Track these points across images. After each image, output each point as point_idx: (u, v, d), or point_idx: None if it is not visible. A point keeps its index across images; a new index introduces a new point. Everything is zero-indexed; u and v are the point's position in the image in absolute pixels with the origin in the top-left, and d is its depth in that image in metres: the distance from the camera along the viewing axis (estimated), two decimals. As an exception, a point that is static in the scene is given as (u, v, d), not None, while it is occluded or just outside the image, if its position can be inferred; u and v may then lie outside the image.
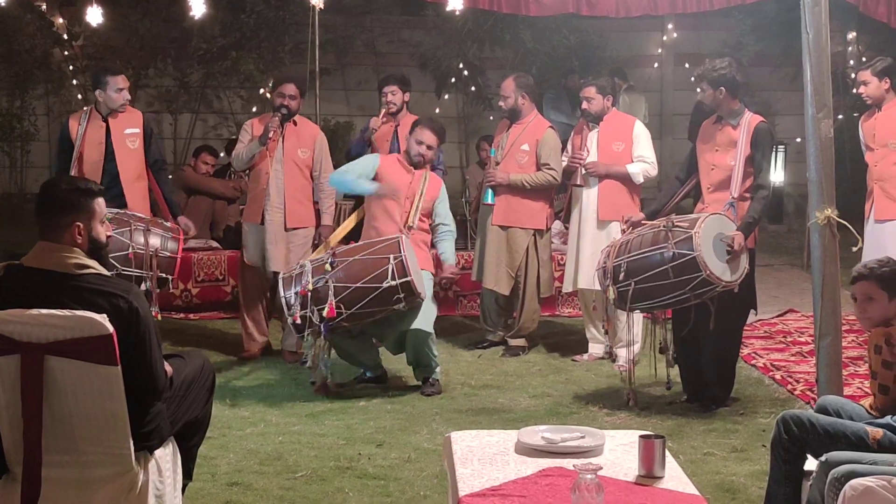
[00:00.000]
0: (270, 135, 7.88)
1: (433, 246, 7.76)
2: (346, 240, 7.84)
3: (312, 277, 6.88)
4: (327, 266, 6.91)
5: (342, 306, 6.86)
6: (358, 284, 6.87)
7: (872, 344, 4.39)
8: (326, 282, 6.86)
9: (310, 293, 6.85)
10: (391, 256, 6.90)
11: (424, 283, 7.22)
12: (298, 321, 6.92)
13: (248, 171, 8.56)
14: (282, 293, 6.99)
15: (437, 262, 7.74)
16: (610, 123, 8.01)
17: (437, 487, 5.31)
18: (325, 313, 6.81)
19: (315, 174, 8.13)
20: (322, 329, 6.89)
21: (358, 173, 7.61)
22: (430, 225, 7.68)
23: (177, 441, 4.45)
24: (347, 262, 6.96)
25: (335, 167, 8.17)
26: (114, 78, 7.79)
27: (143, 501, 4.08)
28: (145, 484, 4.09)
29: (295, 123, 8.12)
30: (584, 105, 8.03)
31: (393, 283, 6.86)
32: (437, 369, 7.35)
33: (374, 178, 7.57)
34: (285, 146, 8.02)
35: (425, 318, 7.19)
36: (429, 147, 7.61)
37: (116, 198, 7.46)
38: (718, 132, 6.84)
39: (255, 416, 6.69)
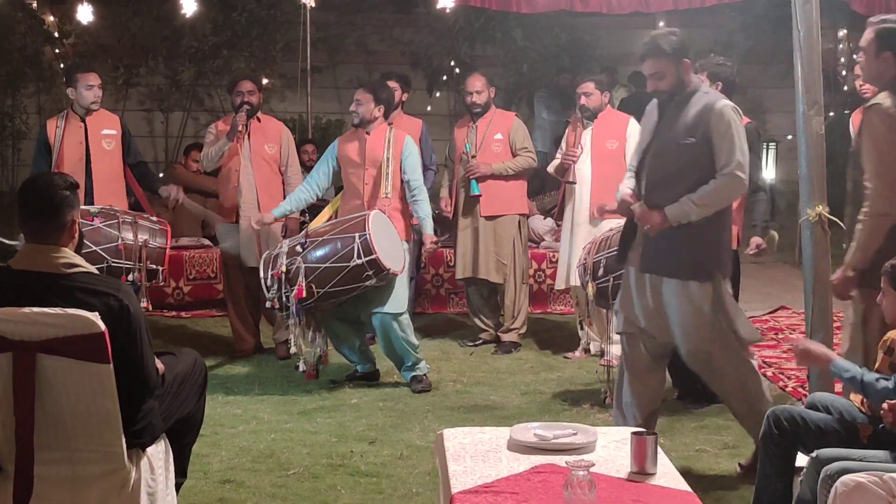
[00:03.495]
0: (239, 128, 7.90)
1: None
2: None
3: (286, 259, 6.96)
4: (298, 247, 7.00)
5: (314, 286, 6.93)
6: (327, 264, 6.94)
7: (886, 343, 4.39)
8: (298, 263, 6.94)
9: (283, 275, 6.94)
10: (356, 235, 6.95)
11: (402, 255, 7.28)
12: (277, 305, 7.02)
13: (215, 173, 8.52)
14: (261, 275, 7.08)
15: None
16: (604, 121, 8.03)
17: (429, 484, 5.31)
18: (293, 295, 6.90)
19: (283, 168, 8.17)
20: (295, 309, 6.95)
21: (318, 169, 7.78)
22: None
23: (170, 439, 4.44)
24: (317, 241, 7.04)
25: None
26: (84, 75, 7.81)
27: (136, 499, 4.07)
28: (137, 481, 4.08)
29: (259, 120, 8.16)
30: (583, 100, 8.03)
31: (359, 261, 6.92)
32: (422, 364, 7.38)
33: (337, 163, 7.71)
34: (252, 143, 8.06)
35: (395, 301, 7.24)
36: (357, 102, 7.62)
37: (87, 196, 7.49)
38: None
39: (247, 414, 6.69)
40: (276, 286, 6.98)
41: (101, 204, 7.44)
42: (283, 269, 6.95)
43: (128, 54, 14.44)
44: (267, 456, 5.87)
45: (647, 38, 5.53)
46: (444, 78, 15.31)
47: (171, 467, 4.44)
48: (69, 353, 3.85)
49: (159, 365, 4.27)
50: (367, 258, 6.91)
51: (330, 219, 7.69)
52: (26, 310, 3.85)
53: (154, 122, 15.44)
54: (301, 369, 7.28)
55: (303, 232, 7.30)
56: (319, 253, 6.99)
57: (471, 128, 8.47)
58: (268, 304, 7.11)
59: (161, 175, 11.30)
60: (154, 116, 15.39)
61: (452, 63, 15.10)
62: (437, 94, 15.64)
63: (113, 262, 6.92)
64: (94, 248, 6.88)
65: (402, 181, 7.59)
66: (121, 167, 7.92)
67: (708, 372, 5.49)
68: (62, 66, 14.07)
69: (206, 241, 10.31)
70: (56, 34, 14.10)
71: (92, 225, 6.96)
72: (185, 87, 15.25)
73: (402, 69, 11.42)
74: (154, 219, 7.42)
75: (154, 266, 7.13)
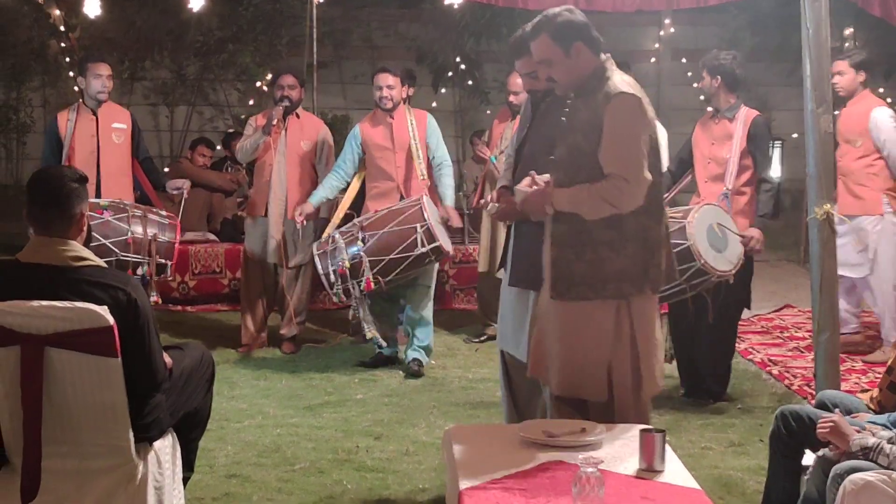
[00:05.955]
0: (274, 123, 7.90)
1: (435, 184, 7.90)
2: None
3: (347, 254, 7.21)
4: (359, 242, 7.23)
5: (379, 277, 7.22)
6: (391, 256, 7.24)
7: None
8: (361, 257, 7.17)
9: (348, 271, 7.19)
10: (418, 226, 7.24)
11: (444, 231, 7.60)
12: (344, 298, 7.35)
13: (251, 165, 8.56)
14: (320, 270, 7.33)
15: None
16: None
17: (436, 480, 5.30)
18: (362, 287, 7.20)
19: (318, 166, 8.15)
20: (367, 298, 7.36)
21: (344, 156, 7.90)
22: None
23: (177, 433, 4.43)
24: (377, 234, 7.27)
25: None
26: (94, 65, 7.81)
27: (143, 493, 4.07)
28: (145, 475, 4.08)
29: (298, 116, 8.14)
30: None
31: (424, 249, 7.25)
32: (428, 357, 7.70)
33: (362, 149, 7.84)
34: (288, 138, 8.05)
35: (429, 275, 7.71)
36: (389, 87, 7.74)
37: (97, 190, 7.50)
38: (715, 126, 6.88)
39: (252, 409, 6.69)
40: (339, 281, 7.22)
41: (108, 197, 7.44)
42: (347, 264, 7.19)
43: (133, 48, 14.42)
44: (273, 451, 5.87)
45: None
46: (450, 74, 15.28)
47: (179, 461, 4.44)
48: (77, 346, 3.85)
49: (167, 359, 4.27)
50: (430, 246, 7.23)
51: (359, 204, 7.94)
52: (34, 303, 3.85)
53: (159, 117, 15.42)
54: (384, 344, 7.64)
55: (351, 223, 7.48)
56: (382, 245, 7.25)
57: (509, 123, 8.28)
58: (335, 300, 7.48)
59: (166, 170, 11.31)
60: (159, 111, 15.37)
61: (458, 59, 15.07)
62: (443, 91, 15.62)
63: (122, 255, 6.93)
64: (104, 241, 6.88)
65: (428, 158, 7.80)
66: (129, 161, 7.91)
67: None
68: (67, 59, 14.06)
69: (212, 236, 10.32)
70: (62, 28, 14.07)
71: (102, 218, 6.97)
72: (191, 82, 15.23)
73: (407, 65, 11.39)
74: (163, 213, 7.43)
75: (163, 260, 7.14)
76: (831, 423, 3.89)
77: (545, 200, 4.51)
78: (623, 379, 4.46)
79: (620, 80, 4.47)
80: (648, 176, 4.39)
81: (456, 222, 7.82)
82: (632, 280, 4.43)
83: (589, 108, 4.47)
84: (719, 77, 6.80)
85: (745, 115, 6.78)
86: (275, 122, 7.91)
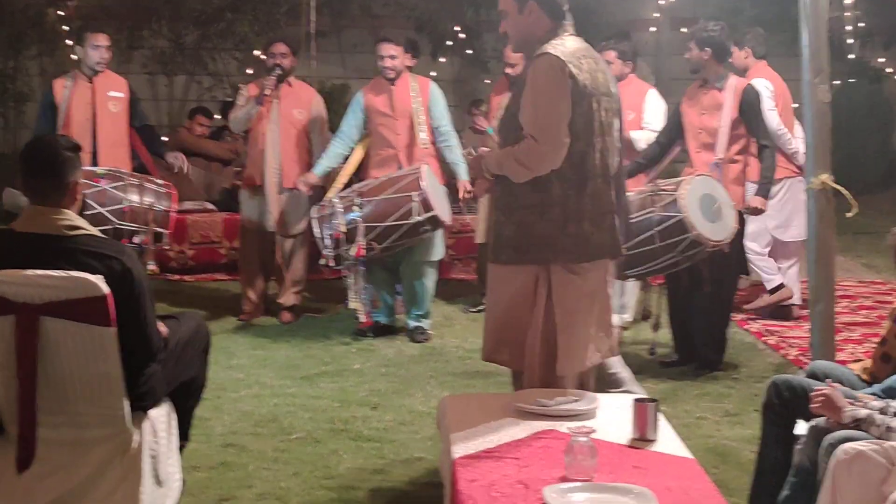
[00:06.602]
0: (267, 93, 7.89)
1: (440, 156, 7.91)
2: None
3: (344, 220, 7.26)
4: (355, 207, 7.27)
5: (374, 243, 7.28)
6: (387, 223, 7.29)
7: (894, 312, 4.38)
8: (357, 223, 7.25)
9: (343, 235, 7.26)
10: (414, 195, 7.28)
11: (447, 203, 7.70)
12: (332, 263, 7.40)
13: (245, 134, 8.57)
14: (316, 233, 7.40)
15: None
16: (623, 91, 7.90)
17: (432, 449, 5.32)
18: (352, 252, 7.24)
19: (311, 135, 8.14)
20: (358, 265, 7.36)
21: (348, 123, 7.92)
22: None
23: (173, 402, 4.45)
24: (374, 201, 7.32)
25: (331, 130, 8.20)
26: (93, 35, 7.81)
27: (138, 461, 4.08)
28: (140, 444, 4.09)
29: (290, 84, 8.12)
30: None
31: (419, 218, 7.30)
32: (429, 322, 7.77)
33: (365, 115, 7.87)
34: (281, 107, 8.04)
35: (435, 249, 7.78)
36: (391, 57, 7.77)
37: (90, 158, 7.50)
38: (704, 95, 6.89)
39: (250, 379, 6.71)
40: (333, 244, 7.29)
41: (105, 166, 7.43)
42: (343, 229, 7.26)
43: (131, 16, 14.36)
44: (269, 420, 5.88)
45: None
46: (449, 43, 15.23)
47: (175, 430, 4.45)
48: (72, 315, 3.86)
49: (162, 328, 4.27)
50: (426, 215, 7.28)
51: (362, 171, 8.02)
52: (29, 272, 3.85)
53: (158, 86, 15.38)
54: (361, 319, 7.59)
55: (349, 189, 7.54)
56: (378, 212, 7.30)
57: (505, 96, 8.26)
58: (322, 262, 7.49)
59: (165, 139, 11.29)
60: (158, 80, 15.32)
61: (457, 28, 15.02)
62: (442, 60, 15.57)
63: (119, 224, 6.94)
64: (100, 209, 6.90)
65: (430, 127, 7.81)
66: (126, 130, 7.91)
67: None
68: (65, 28, 14.01)
69: (210, 206, 10.32)
70: (59, -4, 14.03)
71: (98, 187, 6.97)
72: (189, 51, 15.18)
73: (406, 34, 11.34)
74: (160, 182, 7.43)
75: (159, 229, 7.14)
76: (823, 396, 3.90)
77: (481, 164, 4.62)
78: (532, 350, 4.43)
79: (557, 43, 4.44)
80: (565, 139, 4.35)
81: (467, 196, 7.97)
82: (549, 247, 4.41)
83: (527, 71, 4.50)
84: (709, 49, 6.79)
85: (736, 84, 6.81)
86: (268, 91, 7.89)
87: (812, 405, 3.94)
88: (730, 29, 7.05)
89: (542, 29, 4.52)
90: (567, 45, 4.46)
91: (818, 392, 3.94)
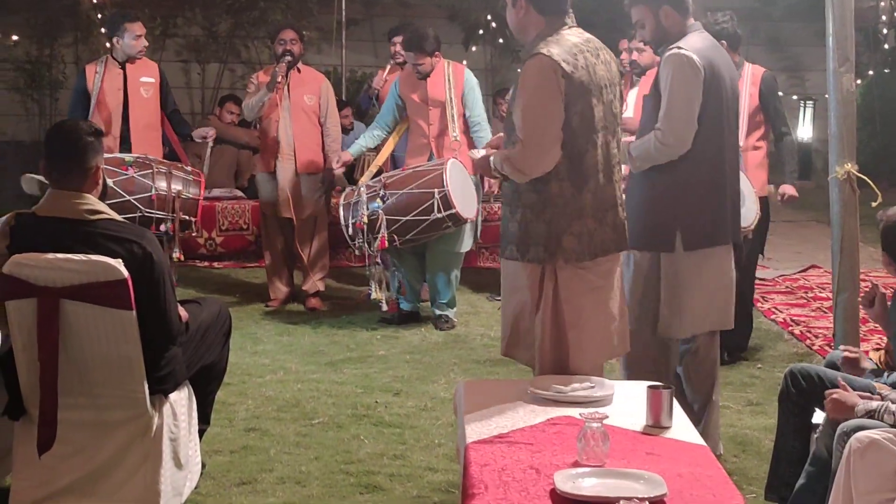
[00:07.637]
0: (278, 79, 7.94)
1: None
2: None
3: (367, 209, 7.30)
4: (379, 199, 7.32)
5: (395, 236, 7.32)
6: (408, 217, 7.32)
7: None
8: (379, 214, 7.29)
9: (365, 226, 7.30)
10: (436, 191, 7.29)
11: (475, 197, 7.72)
12: (357, 253, 7.56)
13: (258, 122, 8.62)
14: (341, 220, 7.46)
15: None
16: (651, 78, 7.89)
17: (452, 435, 5.33)
18: (376, 245, 7.31)
19: (322, 120, 8.19)
20: (380, 258, 7.47)
21: (386, 107, 8.06)
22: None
23: (193, 387, 4.50)
24: (397, 194, 7.36)
25: (356, 117, 8.27)
26: (131, 25, 7.84)
27: (158, 444, 4.14)
28: (160, 427, 4.15)
29: (299, 71, 8.18)
30: (634, 56, 7.90)
31: (440, 215, 7.30)
32: (454, 310, 7.80)
33: (401, 101, 7.95)
34: (291, 93, 8.10)
35: (461, 241, 7.78)
36: (416, 66, 7.80)
37: (124, 144, 7.56)
38: None
39: (274, 364, 6.75)
40: (359, 235, 7.33)
41: (137, 152, 7.50)
42: (365, 220, 7.29)
43: (165, 5, 14.43)
44: (292, 405, 5.93)
45: None
46: (481, 32, 15.22)
47: (195, 414, 4.50)
48: (92, 299, 3.91)
49: (183, 313, 4.32)
50: (447, 212, 7.29)
51: (388, 162, 8.14)
52: (50, 256, 3.91)
53: (191, 74, 15.44)
54: (384, 308, 7.67)
55: (376, 178, 7.61)
56: (400, 205, 7.33)
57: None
58: (357, 253, 7.67)
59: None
60: (191, 68, 15.39)
61: (489, 17, 15.00)
62: (474, 49, 15.56)
63: (146, 211, 6.99)
64: (128, 197, 6.95)
65: (464, 117, 7.83)
66: (158, 115, 7.97)
67: None
68: (100, 16, 14.10)
69: (239, 193, 10.38)
70: (94, -17, 14.12)
71: (126, 175, 7.02)
72: (222, 39, 15.24)
73: (438, 23, 11.37)
74: (189, 169, 7.48)
75: (187, 217, 7.19)
76: (832, 401, 3.89)
77: (488, 164, 4.51)
78: (542, 347, 4.39)
79: (552, 41, 4.33)
80: (552, 145, 4.26)
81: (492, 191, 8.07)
82: (547, 247, 4.34)
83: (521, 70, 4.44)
84: (724, 42, 6.73)
85: (752, 71, 6.81)
86: (279, 78, 7.95)
87: (825, 411, 3.95)
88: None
89: (535, 25, 4.42)
90: (563, 42, 4.34)
91: (829, 396, 3.94)
